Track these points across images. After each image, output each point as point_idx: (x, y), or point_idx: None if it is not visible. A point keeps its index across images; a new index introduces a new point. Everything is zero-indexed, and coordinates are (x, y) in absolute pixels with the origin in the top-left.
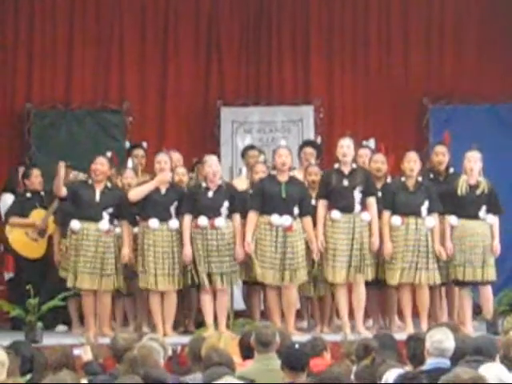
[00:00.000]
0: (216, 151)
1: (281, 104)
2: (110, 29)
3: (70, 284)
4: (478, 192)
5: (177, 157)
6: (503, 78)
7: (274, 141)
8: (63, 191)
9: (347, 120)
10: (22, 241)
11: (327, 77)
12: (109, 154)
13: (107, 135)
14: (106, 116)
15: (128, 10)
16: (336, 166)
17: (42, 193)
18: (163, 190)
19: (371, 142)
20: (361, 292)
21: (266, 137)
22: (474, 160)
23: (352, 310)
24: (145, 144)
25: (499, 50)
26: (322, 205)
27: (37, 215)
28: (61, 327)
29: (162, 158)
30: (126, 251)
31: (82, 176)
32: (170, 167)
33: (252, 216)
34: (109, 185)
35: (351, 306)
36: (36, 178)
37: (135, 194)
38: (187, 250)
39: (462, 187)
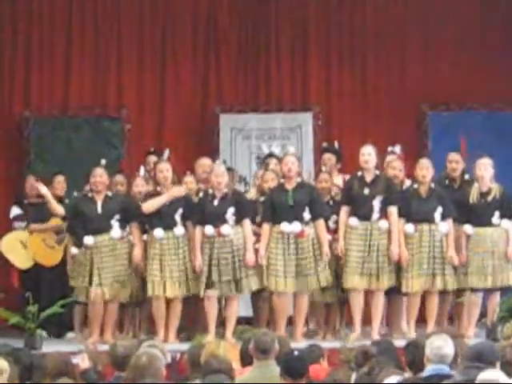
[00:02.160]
0: (214, 158)
1: (279, 111)
2: (108, 36)
3: (81, 298)
4: (490, 198)
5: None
6: (502, 85)
7: (272, 148)
8: (60, 210)
9: (346, 127)
10: (40, 248)
11: (325, 83)
12: (103, 161)
13: (105, 143)
14: (105, 124)
15: (126, 17)
16: (359, 173)
17: (67, 200)
18: None
19: (397, 148)
20: (379, 300)
21: (264, 144)
22: (484, 167)
23: (365, 317)
24: (166, 153)
25: (498, 56)
26: (343, 211)
27: (55, 222)
28: (70, 334)
29: (164, 167)
30: (138, 251)
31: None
32: (171, 175)
33: (265, 228)
34: (109, 193)
35: (364, 313)
36: (59, 184)
37: (148, 206)
38: (198, 261)
39: (473, 195)
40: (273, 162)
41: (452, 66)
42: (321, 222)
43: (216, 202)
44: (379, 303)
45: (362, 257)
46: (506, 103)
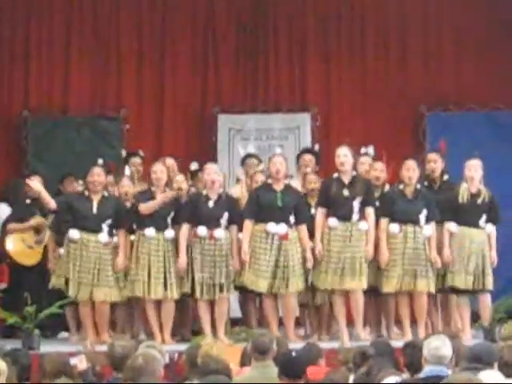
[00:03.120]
0: (213, 159)
1: (278, 111)
2: (108, 36)
3: (71, 293)
4: (479, 201)
5: (170, 163)
6: (500, 85)
7: (271, 148)
8: (52, 204)
9: (344, 127)
10: (19, 247)
11: (324, 84)
12: (100, 161)
13: (104, 143)
14: (103, 123)
15: (125, 17)
16: (335, 175)
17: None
18: None
19: (370, 149)
20: (358, 298)
21: (263, 144)
22: (474, 168)
23: (350, 318)
24: (141, 152)
25: (496, 56)
26: (320, 213)
27: (36, 221)
28: (63, 334)
29: (158, 168)
30: (121, 260)
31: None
32: (166, 177)
33: (247, 224)
34: (105, 194)
35: (349, 314)
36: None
37: (146, 208)
38: (182, 259)
39: (463, 195)
40: (253, 163)
41: (450, 67)
42: (304, 228)
43: (211, 204)
44: (359, 301)
45: (342, 257)
46: (504, 103)
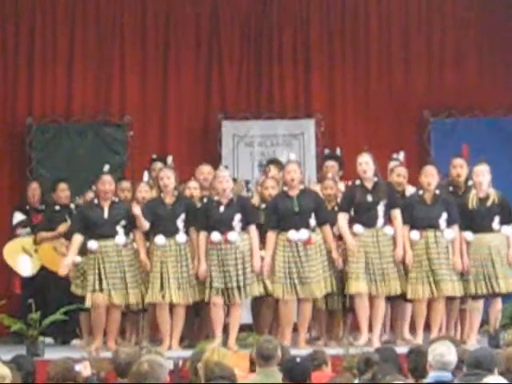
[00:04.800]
0: (217, 165)
1: (282, 117)
2: (111, 43)
3: (87, 304)
4: (489, 204)
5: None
6: (504, 91)
7: (276, 155)
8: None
9: (348, 133)
10: (51, 256)
11: (328, 90)
12: (106, 167)
13: (108, 149)
14: (107, 130)
15: (129, 23)
16: (358, 182)
17: (72, 205)
18: (169, 205)
19: (401, 155)
20: (381, 305)
21: (267, 150)
22: (481, 173)
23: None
24: (170, 159)
25: (500, 62)
26: (343, 217)
27: (63, 228)
28: (75, 342)
29: (165, 174)
30: (143, 257)
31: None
32: (173, 182)
33: (270, 236)
34: (115, 199)
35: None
36: (62, 192)
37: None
38: (202, 267)
39: (472, 201)
40: (273, 169)
41: (454, 73)
42: (328, 228)
43: (222, 209)
44: (380, 309)
45: (367, 263)
46: (508, 109)
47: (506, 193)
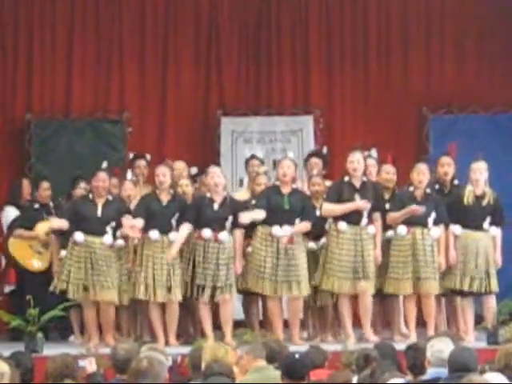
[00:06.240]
0: (216, 161)
1: (281, 114)
2: (110, 40)
3: (71, 296)
4: (484, 203)
5: (182, 166)
6: (503, 88)
7: (275, 151)
8: (65, 225)
9: (347, 130)
10: (27, 253)
11: (327, 87)
12: (105, 164)
13: (107, 145)
14: (106, 126)
15: (127, 20)
16: (346, 178)
17: (51, 204)
18: (164, 202)
19: (373, 152)
20: (367, 300)
21: (266, 147)
22: (479, 171)
23: (355, 320)
24: (148, 156)
25: (499, 59)
26: (328, 204)
27: (41, 227)
28: (72, 337)
29: (161, 171)
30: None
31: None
32: (169, 179)
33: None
34: (110, 197)
35: (355, 316)
36: (44, 191)
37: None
38: (174, 251)
39: (468, 197)
40: (255, 164)
41: (453, 70)
42: (306, 224)
43: (216, 207)
44: (368, 304)
45: (352, 261)
46: (507, 106)
47: (505, 189)
